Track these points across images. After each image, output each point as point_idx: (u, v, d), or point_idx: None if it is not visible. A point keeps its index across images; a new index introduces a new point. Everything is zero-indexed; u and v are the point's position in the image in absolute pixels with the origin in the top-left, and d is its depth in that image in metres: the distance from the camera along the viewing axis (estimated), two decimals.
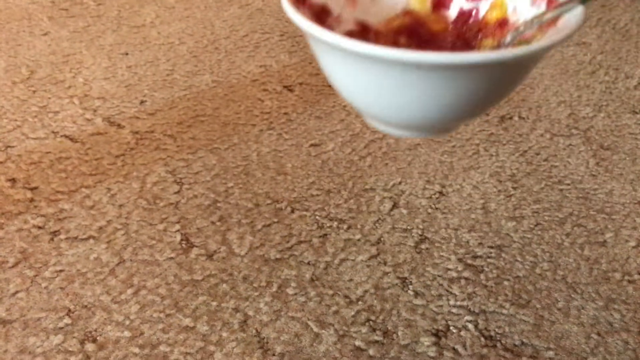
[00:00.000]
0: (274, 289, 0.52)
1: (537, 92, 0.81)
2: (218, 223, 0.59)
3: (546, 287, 0.52)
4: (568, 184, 0.65)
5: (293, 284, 0.52)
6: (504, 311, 0.50)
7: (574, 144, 0.71)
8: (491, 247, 0.56)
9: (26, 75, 0.83)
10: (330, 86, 0.81)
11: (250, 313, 0.50)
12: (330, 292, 0.52)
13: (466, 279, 0.53)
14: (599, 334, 0.48)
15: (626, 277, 0.53)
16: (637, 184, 0.65)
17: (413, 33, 0.35)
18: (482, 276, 0.53)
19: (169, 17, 1.00)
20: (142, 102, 0.78)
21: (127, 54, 0.89)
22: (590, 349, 0.47)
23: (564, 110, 0.77)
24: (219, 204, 0.61)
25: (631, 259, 0.55)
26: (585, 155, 0.69)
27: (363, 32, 0.35)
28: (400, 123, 0.30)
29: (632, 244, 0.57)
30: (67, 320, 0.49)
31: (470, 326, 0.49)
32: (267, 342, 0.48)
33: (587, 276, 0.53)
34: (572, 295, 0.52)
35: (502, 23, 0.33)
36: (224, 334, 0.48)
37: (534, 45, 0.25)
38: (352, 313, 0.50)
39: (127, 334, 0.48)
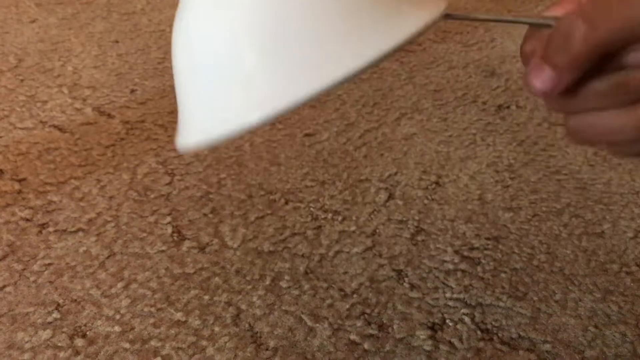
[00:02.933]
0: (267, 282, 0.51)
1: None
2: (210, 215, 0.58)
3: (543, 279, 0.52)
4: (566, 174, 0.64)
5: (287, 277, 0.52)
6: (501, 304, 0.49)
7: None
8: (488, 239, 0.56)
9: (14, 64, 0.81)
10: None
11: (243, 307, 0.49)
12: (325, 285, 0.51)
13: (463, 271, 0.52)
14: (596, 327, 0.48)
15: (624, 269, 0.53)
16: (635, 174, 0.64)
17: None
18: (478, 268, 0.53)
19: (160, 4, 0.98)
20: (132, 91, 0.76)
21: (117, 41, 0.87)
22: (588, 342, 0.47)
23: None
24: (211, 196, 0.60)
25: (629, 250, 0.55)
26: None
27: None
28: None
29: (630, 234, 0.56)
30: (56, 315, 0.48)
31: (466, 319, 0.48)
32: (261, 337, 0.47)
33: (584, 268, 0.53)
34: (570, 287, 0.51)
35: None
36: (217, 329, 0.47)
37: None
38: (347, 306, 0.49)
39: (117, 328, 0.47)
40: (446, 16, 0.25)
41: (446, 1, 0.25)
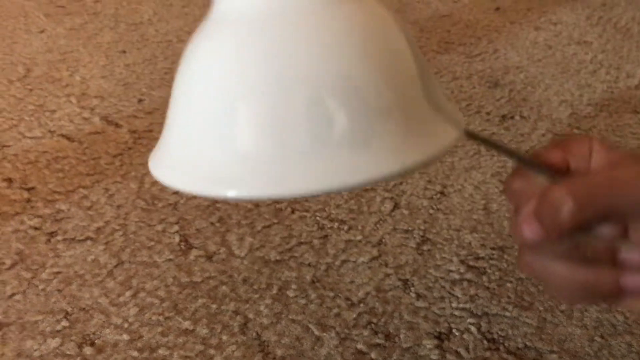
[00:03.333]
0: (274, 291, 0.51)
1: (539, 92, 0.81)
2: (217, 224, 0.58)
3: None
4: None
5: (294, 286, 0.52)
6: (507, 313, 0.50)
7: None
8: (493, 249, 0.56)
9: (22, 74, 0.82)
10: None
11: (251, 316, 0.49)
12: (331, 294, 0.51)
13: (468, 280, 0.53)
14: (602, 337, 0.48)
15: None
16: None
17: None
18: (484, 278, 0.53)
19: (167, 14, 0.99)
20: (140, 100, 0.77)
21: (124, 52, 0.88)
22: (594, 352, 0.47)
23: (565, 110, 0.77)
24: (218, 205, 0.60)
25: None
26: None
27: None
28: None
29: None
30: (64, 323, 0.48)
31: (472, 329, 0.48)
32: (268, 346, 0.47)
33: None
34: None
35: None
36: (224, 337, 0.47)
37: None
38: (354, 315, 0.49)
39: (125, 337, 0.47)
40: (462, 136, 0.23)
41: (461, 121, 0.23)
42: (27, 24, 0.95)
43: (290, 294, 0.51)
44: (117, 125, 0.72)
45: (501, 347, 0.47)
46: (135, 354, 0.46)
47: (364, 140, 0.20)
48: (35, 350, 0.46)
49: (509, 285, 0.52)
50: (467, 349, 0.47)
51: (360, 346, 0.47)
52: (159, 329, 0.48)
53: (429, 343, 0.47)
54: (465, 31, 0.96)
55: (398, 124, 0.21)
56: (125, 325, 0.48)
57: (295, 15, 0.21)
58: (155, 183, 0.63)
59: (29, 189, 0.62)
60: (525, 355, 0.47)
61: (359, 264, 0.54)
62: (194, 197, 0.61)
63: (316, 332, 0.48)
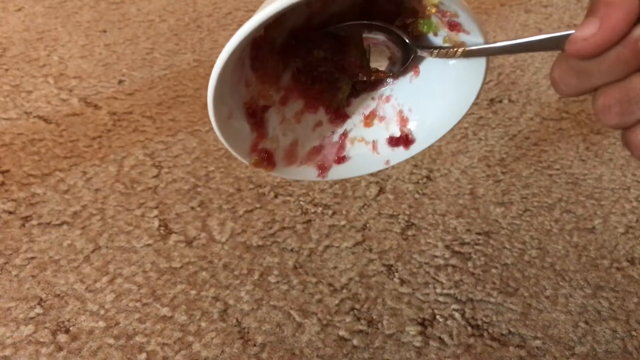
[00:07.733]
0: (256, 277, 0.50)
1: (527, 75, 0.80)
2: (198, 208, 0.57)
3: (534, 275, 0.51)
4: (557, 169, 0.63)
5: (275, 272, 0.51)
6: (492, 300, 0.49)
7: (564, 128, 0.70)
8: (479, 234, 0.55)
9: None
10: None
11: (231, 302, 0.48)
12: (314, 280, 0.50)
13: (453, 266, 0.52)
14: (586, 323, 0.48)
15: (615, 264, 0.52)
16: (626, 170, 0.64)
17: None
18: (469, 264, 0.52)
19: None
20: (120, 81, 0.75)
21: (105, 31, 0.85)
22: (578, 338, 0.46)
23: (554, 94, 0.76)
24: (199, 189, 0.59)
25: (620, 246, 0.54)
26: (575, 139, 0.68)
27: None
28: None
29: (621, 230, 0.56)
30: (38, 310, 0.47)
31: (457, 315, 0.48)
32: (248, 332, 0.46)
33: (575, 263, 0.53)
34: (560, 283, 0.51)
35: None
36: (203, 324, 0.46)
37: None
38: (336, 302, 0.48)
39: (101, 324, 0.46)
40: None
41: None
42: (4, 1, 0.92)
43: (272, 279, 0.50)
44: (96, 107, 0.70)
45: (485, 334, 0.47)
46: (111, 341, 0.45)
47: None
48: (8, 337, 0.45)
49: (494, 271, 0.52)
50: (450, 336, 0.46)
51: (342, 332, 0.46)
52: (137, 316, 0.47)
53: (412, 329, 0.47)
54: None
55: None
56: (102, 312, 0.47)
57: None
58: (134, 166, 0.61)
59: (3, 172, 0.60)
60: (509, 342, 0.46)
61: (343, 249, 0.53)
62: (174, 181, 0.60)
63: (298, 319, 0.47)
